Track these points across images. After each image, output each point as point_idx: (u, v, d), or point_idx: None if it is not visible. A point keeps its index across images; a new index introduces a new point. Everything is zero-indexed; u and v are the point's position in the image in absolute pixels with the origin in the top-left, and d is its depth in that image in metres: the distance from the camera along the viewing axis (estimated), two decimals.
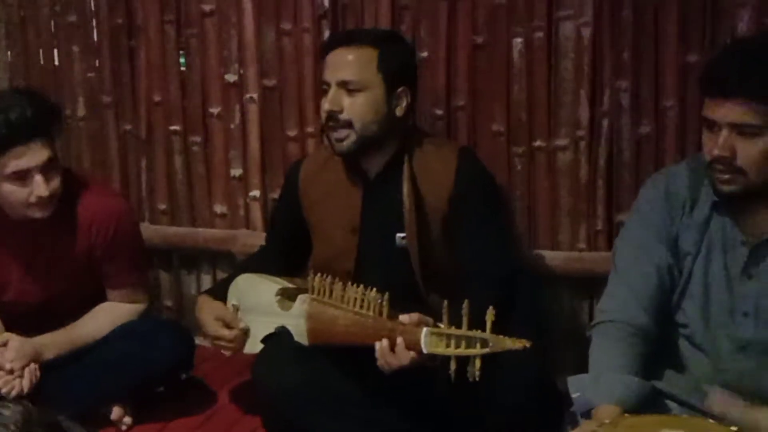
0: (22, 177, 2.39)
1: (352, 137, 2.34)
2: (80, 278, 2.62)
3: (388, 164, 2.41)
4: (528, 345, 1.88)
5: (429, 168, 2.38)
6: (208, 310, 2.56)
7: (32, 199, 2.42)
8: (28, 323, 2.63)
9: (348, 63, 2.34)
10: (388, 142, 2.39)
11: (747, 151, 1.86)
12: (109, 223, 2.58)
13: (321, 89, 2.88)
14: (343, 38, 2.42)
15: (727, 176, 1.90)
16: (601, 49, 2.64)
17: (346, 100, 2.33)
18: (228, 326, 2.49)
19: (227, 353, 2.55)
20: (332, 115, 2.34)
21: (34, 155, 2.38)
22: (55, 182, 2.45)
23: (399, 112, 2.37)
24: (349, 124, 2.33)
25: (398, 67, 2.36)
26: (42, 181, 2.40)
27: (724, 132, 1.87)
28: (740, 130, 1.85)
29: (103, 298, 2.67)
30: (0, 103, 2.39)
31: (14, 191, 2.41)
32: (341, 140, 2.35)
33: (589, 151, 2.69)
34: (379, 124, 2.34)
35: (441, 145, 2.47)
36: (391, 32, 2.63)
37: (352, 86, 2.32)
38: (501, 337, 1.89)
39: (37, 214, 2.45)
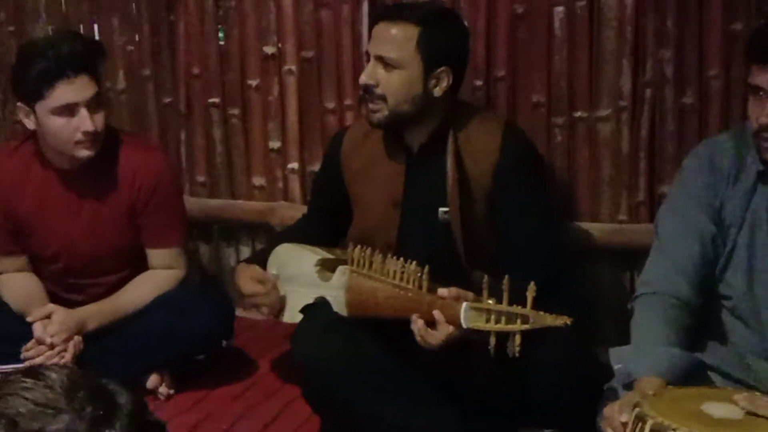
0: (69, 111, 2.45)
1: (384, 111, 2.33)
2: (123, 234, 2.65)
3: (432, 138, 2.39)
4: (569, 322, 1.86)
5: (474, 142, 2.36)
6: (246, 273, 2.57)
7: (78, 136, 2.47)
8: (69, 284, 2.69)
9: (388, 38, 2.32)
10: (428, 118, 2.37)
11: None
12: (151, 176, 2.62)
13: (359, 61, 2.92)
14: (388, 12, 2.40)
15: None
16: (644, 17, 2.59)
17: (383, 75, 2.31)
18: (265, 287, 2.51)
19: (264, 311, 2.55)
20: (367, 88, 2.34)
21: (82, 89, 2.45)
22: (100, 119, 2.50)
23: (437, 92, 2.33)
24: (382, 99, 2.32)
25: (440, 48, 2.32)
26: (88, 115, 2.46)
27: None
28: None
29: (144, 264, 2.69)
30: (50, 39, 2.54)
31: (62, 126, 2.47)
32: (375, 112, 2.35)
33: (631, 121, 2.66)
34: (413, 102, 2.32)
35: (486, 119, 2.44)
36: (441, 10, 2.51)
37: (389, 62, 2.31)
38: (542, 313, 1.87)
39: (84, 153, 2.50)
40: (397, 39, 2.31)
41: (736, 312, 1.99)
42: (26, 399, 0.96)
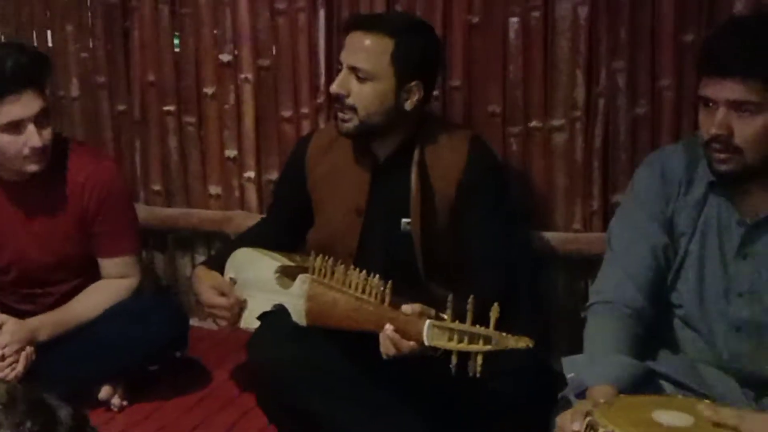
0: (15, 127, 2.42)
1: (354, 122, 2.33)
2: (74, 244, 2.62)
3: (399, 148, 2.39)
4: (531, 345, 1.86)
5: (440, 155, 2.36)
6: (204, 280, 2.55)
7: (26, 151, 2.44)
8: (20, 294, 2.66)
9: (361, 49, 2.31)
10: (397, 129, 2.37)
11: (745, 130, 1.85)
12: (102, 184, 2.59)
13: (315, 69, 2.91)
14: (363, 22, 2.38)
15: (724, 155, 1.89)
16: (598, 28, 2.62)
17: (355, 86, 2.31)
18: (223, 296, 2.49)
19: (222, 323, 2.53)
20: (338, 97, 2.33)
21: (28, 104, 2.42)
22: (48, 133, 2.47)
23: (408, 106, 2.33)
24: (353, 109, 2.32)
25: (414, 61, 2.31)
26: (35, 131, 2.42)
27: (722, 110, 1.86)
28: (738, 108, 1.84)
29: (96, 273, 2.67)
30: None
31: (9, 142, 2.43)
32: (344, 121, 2.34)
33: (585, 131, 2.68)
34: (384, 115, 2.32)
35: (453, 132, 2.44)
36: (416, 22, 2.49)
37: (361, 74, 2.30)
38: (504, 334, 1.86)
39: (32, 167, 2.47)
40: (371, 50, 2.30)
41: (686, 320, 2.01)
42: None
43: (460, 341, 1.91)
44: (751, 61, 1.82)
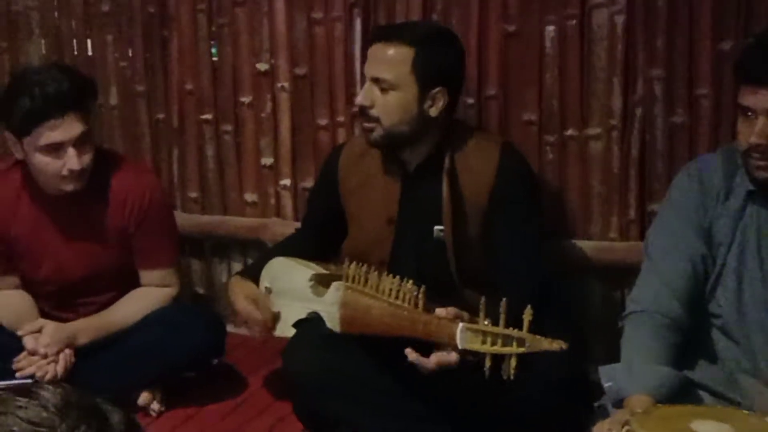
0: (55, 150, 2.44)
1: (380, 131, 2.34)
2: (114, 256, 2.65)
3: (429, 157, 2.39)
4: (564, 347, 1.85)
5: (470, 162, 2.37)
6: (240, 290, 2.58)
7: (64, 172, 2.46)
8: (61, 303, 2.69)
9: (382, 60, 2.33)
10: (425, 137, 2.37)
11: None
12: (143, 197, 2.61)
13: (351, 79, 2.93)
14: (383, 33, 2.40)
15: (763, 163, 1.88)
16: (635, 37, 2.61)
17: (378, 97, 2.32)
18: (258, 307, 2.51)
19: (257, 335, 2.56)
20: (362, 109, 2.35)
21: (69, 128, 2.43)
22: (88, 156, 2.49)
23: (433, 112, 2.33)
24: (377, 120, 2.33)
25: (435, 69, 2.32)
26: (75, 154, 2.44)
27: (761, 119, 1.85)
28: None
29: (136, 283, 2.70)
30: (37, 77, 2.46)
31: (48, 163, 2.46)
32: (370, 131, 2.36)
33: (622, 140, 2.67)
34: (409, 124, 2.33)
35: (484, 139, 2.45)
36: (436, 30, 2.51)
37: (384, 84, 2.31)
38: (538, 337, 1.86)
39: (69, 187, 2.49)
40: (392, 60, 2.31)
41: (725, 330, 2.00)
42: (20, 418, 0.96)
43: (494, 344, 1.91)
44: None
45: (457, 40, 2.47)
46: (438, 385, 2.24)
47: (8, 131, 2.50)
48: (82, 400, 1.00)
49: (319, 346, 2.33)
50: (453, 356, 2.00)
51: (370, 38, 2.43)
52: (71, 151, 2.44)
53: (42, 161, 2.46)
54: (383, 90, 2.32)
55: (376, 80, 2.32)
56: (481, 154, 2.37)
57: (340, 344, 2.30)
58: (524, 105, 2.75)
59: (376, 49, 2.35)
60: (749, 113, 1.88)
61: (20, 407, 0.97)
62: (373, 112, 2.32)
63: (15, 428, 0.95)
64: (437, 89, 2.32)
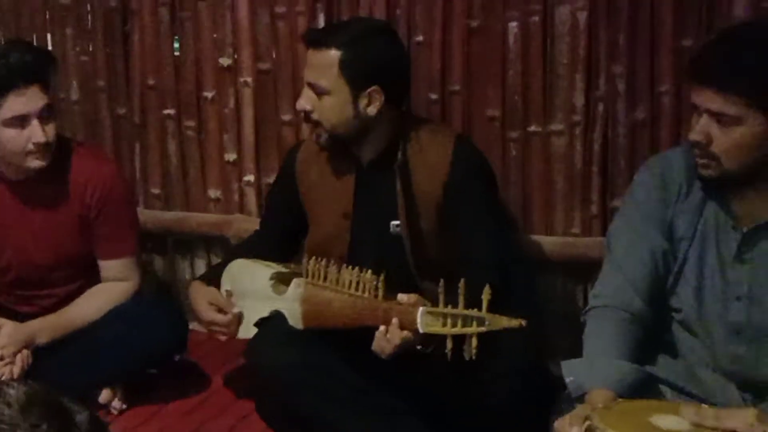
0: (20, 122, 2.43)
1: (324, 135, 2.36)
2: (76, 243, 2.63)
3: (382, 152, 2.40)
4: (524, 323, 1.88)
5: (424, 155, 2.37)
6: (201, 296, 2.56)
7: (30, 146, 2.45)
8: (21, 295, 2.67)
9: (313, 65, 2.35)
10: (373, 134, 2.38)
11: (722, 139, 1.87)
12: (103, 184, 2.60)
13: None
14: (313, 38, 2.40)
15: (703, 161, 1.92)
16: (597, 33, 2.62)
17: (316, 102, 2.34)
18: (221, 311, 2.50)
19: (222, 338, 2.56)
20: (304, 114, 2.37)
21: (33, 99, 2.43)
22: (52, 129, 2.48)
23: (371, 111, 2.33)
24: (318, 123, 2.35)
25: (365, 69, 2.31)
26: (39, 126, 2.44)
27: (703, 118, 1.88)
28: (718, 118, 1.86)
29: (97, 275, 2.67)
30: (0, 49, 2.47)
31: (13, 137, 2.45)
32: (318, 135, 2.38)
33: (584, 136, 2.68)
34: (347, 125, 2.34)
35: (437, 132, 2.45)
36: (364, 29, 2.43)
37: (317, 89, 2.33)
38: (497, 315, 1.89)
39: (35, 162, 2.48)
40: (320, 65, 2.32)
41: (686, 325, 2.01)
42: None
43: (454, 325, 1.94)
44: (730, 75, 1.83)
45: (390, 34, 2.46)
46: (403, 376, 2.25)
47: None
48: (47, 398, 1.00)
49: (284, 342, 2.33)
50: (405, 333, 2.02)
51: (305, 43, 2.43)
52: (36, 123, 2.44)
53: (7, 135, 2.44)
54: (318, 95, 2.33)
55: (311, 85, 2.34)
56: (435, 147, 2.38)
57: (306, 339, 2.30)
58: (487, 101, 2.76)
59: (309, 55, 2.37)
60: (696, 111, 1.90)
61: None
62: (314, 116, 2.35)
63: None
64: (371, 88, 2.31)
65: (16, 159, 2.49)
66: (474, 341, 1.91)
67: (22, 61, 2.43)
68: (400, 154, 2.36)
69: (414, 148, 2.38)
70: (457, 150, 2.37)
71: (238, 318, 2.51)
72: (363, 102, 2.33)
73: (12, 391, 0.99)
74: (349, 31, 2.39)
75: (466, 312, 1.92)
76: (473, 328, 1.91)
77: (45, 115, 2.46)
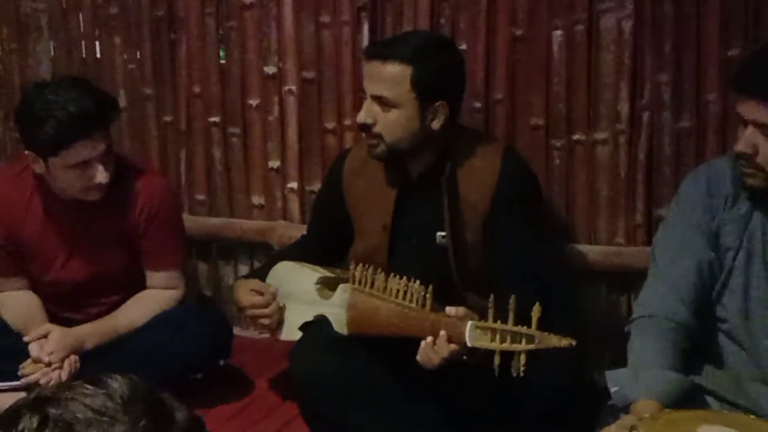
0: (83, 165, 2.45)
1: (382, 147, 2.34)
2: (122, 258, 2.66)
3: (432, 164, 2.39)
4: (574, 343, 1.87)
5: (472, 167, 2.36)
6: (244, 285, 2.59)
7: (91, 184, 2.48)
8: (69, 305, 2.70)
9: (381, 79, 2.31)
10: (429, 148, 2.37)
11: (766, 150, 1.85)
12: (152, 200, 2.63)
13: (358, 82, 2.93)
14: (379, 51, 2.37)
15: (749, 170, 1.91)
16: (642, 42, 2.62)
17: (379, 114, 2.31)
18: (263, 298, 2.51)
19: (264, 325, 2.54)
20: (364, 126, 2.34)
21: (96, 146, 2.44)
22: (112, 167, 2.51)
23: (435, 125, 2.33)
24: (379, 137, 2.33)
25: (435, 84, 2.31)
26: (102, 169, 2.46)
27: (749, 129, 1.87)
28: (763, 129, 1.85)
29: (143, 285, 2.70)
30: (58, 96, 2.42)
31: (75, 177, 2.47)
32: (374, 146, 2.36)
33: (629, 145, 2.67)
34: (411, 139, 2.32)
35: (486, 144, 2.44)
36: (433, 43, 2.44)
37: (385, 102, 2.30)
38: (547, 333, 1.88)
39: (93, 197, 2.52)
40: (390, 79, 2.29)
41: (732, 335, 2.00)
42: (85, 405, 0.97)
43: (503, 341, 1.93)
44: None
45: (455, 49, 2.47)
46: (445, 387, 2.25)
47: (31, 151, 2.48)
48: (149, 395, 1.00)
49: (327, 348, 2.33)
50: (453, 346, 2.01)
51: (365, 54, 2.41)
52: (99, 166, 2.46)
53: (69, 176, 2.47)
54: (384, 108, 2.31)
55: (376, 98, 2.31)
56: (483, 159, 2.37)
57: (348, 346, 2.31)
58: (531, 109, 2.76)
59: (373, 67, 2.33)
60: (743, 121, 1.89)
61: (87, 395, 0.98)
62: (376, 129, 2.32)
63: (79, 414, 0.96)
64: (438, 103, 2.31)
65: (73, 194, 2.52)
66: (523, 358, 1.90)
67: (84, 109, 2.40)
68: (449, 167, 2.35)
69: (462, 160, 2.37)
70: (505, 162, 2.36)
71: (278, 304, 2.51)
72: (429, 117, 2.32)
73: (115, 384, 0.99)
74: (419, 44, 2.37)
75: (516, 329, 1.91)
76: (522, 346, 1.90)
77: (106, 157, 2.48)
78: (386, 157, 2.37)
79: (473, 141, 2.42)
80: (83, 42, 3.34)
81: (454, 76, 2.40)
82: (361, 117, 2.34)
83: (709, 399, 1.95)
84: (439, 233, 2.38)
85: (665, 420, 1.67)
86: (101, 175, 2.46)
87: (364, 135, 2.37)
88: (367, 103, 2.33)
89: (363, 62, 2.41)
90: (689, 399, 1.86)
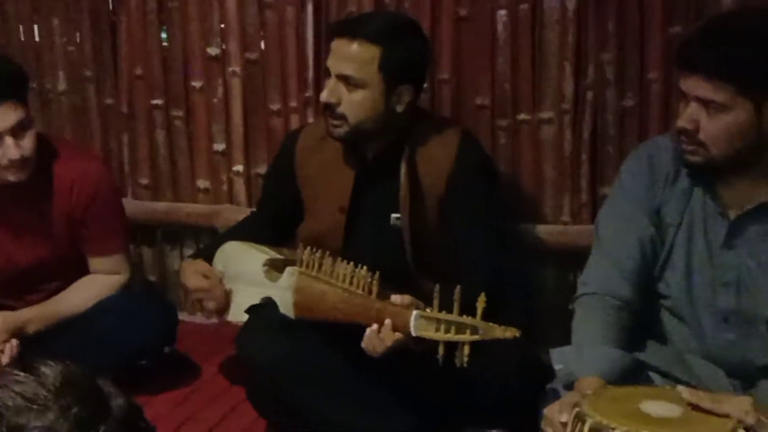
0: None
1: (345, 128, 2.31)
2: (62, 244, 2.61)
3: (389, 146, 2.38)
4: (517, 335, 1.86)
5: (429, 151, 2.35)
6: (192, 268, 2.55)
7: (4, 162, 2.41)
8: (9, 292, 2.64)
9: (348, 58, 2.27)
10: (389, 130, 2.35)
11: (709, 127, 1.87)
12: (89, 184, 2.57)
13: (303, 63, 2.91)
14: (348, 28, 2.33)
15: (690, 147, 1.92)
16: (586, 21, 2.62)
17: (344, 94, 2.28)
18: (210, 282, 2.49)
19: (210, 306, 2.51)
20: (328, 106, 2.31)
21: (5, 117, 2.38)
22: (27, 144, 2.43)
23: (399, 108, 2.32)
24: (343, 117, 2.30)
25: (402, 66, 2.29)
26: (13, 143, 2.39)
27: (691, 105, 1.88)
28: (706, 105, 1.86)
29: (85, 271, 2.66)
30: None
31: None
32: (336, 127, 2.32)
33: (574, 124, 2.69)
34: (375, 120, 2.31)
35: (443, 128, 2.43)
36: (402, 25, 2.41)
37: (351, 81, 2.27)
38: (491, 324, 1.87)
39: (11, 177, 2.45)
40: (358, 59, 2.27)
41: (674, 311, 2.01)
42: (15, 393, 0.95)
43: (447, 331, 1.92)
44: (718, 62, 1.83)
45: (422, 33, 2.45)
46: (393, 370, 2.24)
47: None
48: (84, 382, 0.98)
49: (274, 330, 2.31)
50: (398, 334, 2.00)
51: (332, 31, 2.37)
52: (9, 141, 2.39)
53: None
54: (349, 87, 2.28)
55: (341, 77, 2.28)
56: (441, 143, 2.36)
57: (295, 329, 2.29)
58: (477, 89, 2.76)
59: (341, 45, 2.29)
60: (684, 98, 1.90)
61: (18, 382, 0.97)
62: (339, 110, 2.29)
63: (8, 402, 0.95)
64: (404, 86, 2.30)
65: None
66: (466, 349, 1.89)
67: None
68: (408, 149, 2.34)
69: (420, 142, 2.36)
70: (462, 146, 2.35)
71: (226, 292, 2.48)
72: (394, 99, 2.30)
73: (48, 372, 0.97)
74: (389, 24, 2.36)
75: (460, 319, 1.89)
76: (466, 336, 1.89)
77: (20, 130, 2.41)
78: (348, 139, 2.35)
79: (432, 125, 2.41)
80: (21, 25, 3.26)
81: (421, 60, 2.39)
82: (325, 96, 2.30)
83: (653, 375, 1.96)
84: (394, 215, 2.37)
85: (608, 396, 1.67)
86: (11, 150, 2.39)
87: (327, 115, 2.33)
88: (332, 83, 2.30)
89: (331, 40, 2.35)
90: (633, 375, 1.88)
